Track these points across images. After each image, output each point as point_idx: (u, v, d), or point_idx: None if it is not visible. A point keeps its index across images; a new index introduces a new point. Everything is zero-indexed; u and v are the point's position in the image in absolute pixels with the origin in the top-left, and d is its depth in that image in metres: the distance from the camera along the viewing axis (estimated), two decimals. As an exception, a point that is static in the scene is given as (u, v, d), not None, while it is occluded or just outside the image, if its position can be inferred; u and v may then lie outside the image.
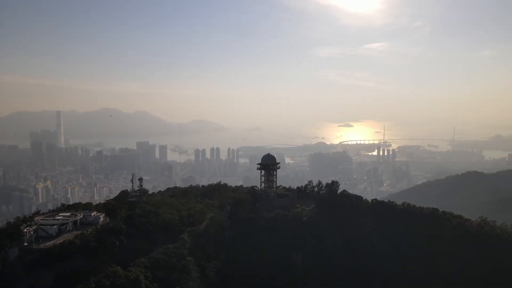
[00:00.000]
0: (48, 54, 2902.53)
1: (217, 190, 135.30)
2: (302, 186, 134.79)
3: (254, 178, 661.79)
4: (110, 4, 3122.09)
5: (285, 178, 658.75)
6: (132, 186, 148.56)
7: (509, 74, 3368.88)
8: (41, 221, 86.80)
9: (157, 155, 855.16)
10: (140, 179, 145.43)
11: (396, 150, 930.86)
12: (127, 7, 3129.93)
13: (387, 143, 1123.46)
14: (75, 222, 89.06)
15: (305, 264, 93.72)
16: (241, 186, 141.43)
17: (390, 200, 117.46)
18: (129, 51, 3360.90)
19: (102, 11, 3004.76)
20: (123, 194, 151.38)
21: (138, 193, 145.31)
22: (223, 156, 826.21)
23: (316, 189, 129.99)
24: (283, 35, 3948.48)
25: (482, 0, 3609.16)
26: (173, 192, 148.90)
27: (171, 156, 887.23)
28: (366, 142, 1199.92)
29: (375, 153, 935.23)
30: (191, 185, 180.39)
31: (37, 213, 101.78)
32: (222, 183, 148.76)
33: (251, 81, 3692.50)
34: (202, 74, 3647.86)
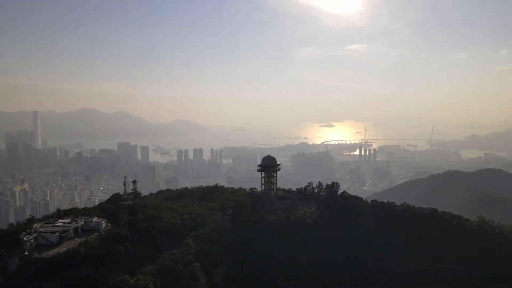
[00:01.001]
0: (24, 53, 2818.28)
1: (215, 192, 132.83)
2: (301, 187, 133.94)
3: (238, 179, 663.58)
4: (90, 1, 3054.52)
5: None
6: (125, 189, 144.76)
7: (484, 75, 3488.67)
8: (40, 228, 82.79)
9: (138, 156, 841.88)
10: (134, 182, 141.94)
11: (377, 150, 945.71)
12: (107, 5, 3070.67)
13: (368, 143, 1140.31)
14: (76, 229, 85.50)
15: (311, 267, 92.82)
16: (240, 188, 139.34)
17: (390, 201, 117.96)
18: (108, 50, 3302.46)
19: (81, 8, 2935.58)
20: (116, 197, 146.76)
21: (131, 196, 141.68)
22: (206, 156, 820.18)
23: (316, 190, 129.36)
24: (265, 36, 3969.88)
25: (458, 4, 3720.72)
26: (168, 195, 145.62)
27: (153, 157, 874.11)
28: (348, 142, 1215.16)
29: (356, 153, 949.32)
30: (186, 187, 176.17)
31: (32, 219, 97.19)
32: (220, 185, 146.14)
33: (233, 81, 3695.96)
34: (183, 75, 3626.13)
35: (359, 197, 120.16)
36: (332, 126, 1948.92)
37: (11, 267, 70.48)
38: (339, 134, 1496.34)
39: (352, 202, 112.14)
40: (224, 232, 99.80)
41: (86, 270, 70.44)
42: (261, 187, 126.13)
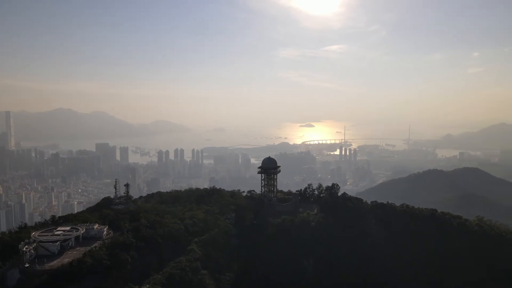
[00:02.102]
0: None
1: (213, 195, 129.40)
2: (301, 189, 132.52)
3: (220, 179, 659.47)
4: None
5: (252, 179, 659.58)
6: (116, 193, 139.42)
7: (457, 77, 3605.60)
8: (38, 237, 77.69)
9: (118, 157, 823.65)
10: (127, 185, 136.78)
11: (356, 149, 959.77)
12: (83, 3, 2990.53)
13: (348, 143, 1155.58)
14: (77, 237, 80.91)
15: (317, 271, 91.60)
16: (238, 190, 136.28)
17: (389, 202, 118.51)
18: (84, 49, 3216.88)
19: (56, 6, 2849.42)
20: (106, 201, 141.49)
21: (123, 200, 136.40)
22: (187, 157, 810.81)
23: (316, 192, 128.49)
24: (245, 36, 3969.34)
25: (433, 7, 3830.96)
26: (161, 198, 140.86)
27: (133, 158, 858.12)
28: (328, 142, 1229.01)
29: (337, 152, 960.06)
30: (181, 189, 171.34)
31: (25, 227, 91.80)
32: (218, 187, 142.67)
33: (213, 81, 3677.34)
34: (162, 75, 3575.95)
35: (359, 198, 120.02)
36: (312, 126, 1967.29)
37: (10, 281, 65.88)
38: (319, 134, 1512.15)
39: (353, 204, 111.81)
40: (228, 237, 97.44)
41: (94, 282, 66.57)
42: (261, 189, 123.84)
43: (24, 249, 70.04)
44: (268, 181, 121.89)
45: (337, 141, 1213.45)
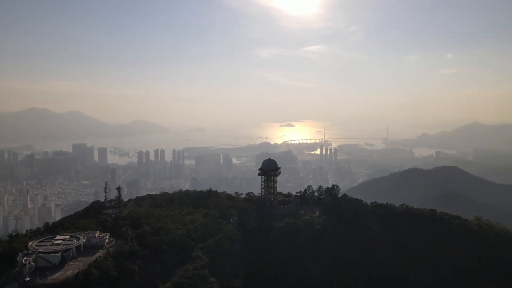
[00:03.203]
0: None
1: (210, 198, 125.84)
2: (301, 191, 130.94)
3: (202, 180, 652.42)
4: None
5: (234, 179, 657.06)
6: (106, 196, 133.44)
7: (432, 78, 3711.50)
8: (37, 247, 72.66)
9: (96, 158, 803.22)
10: (119, 189, 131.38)
11: (337, 149, 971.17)
12: (57, 1, 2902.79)
13: (328, 142, 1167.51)
14: (78, 247, 76.32)
15: (324, 275, 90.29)
16: (237, 193, 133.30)
17: (389, 203, 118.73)
18: (59, 47, 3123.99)
19: (29, 3, 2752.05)
20: (96, 205, 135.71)
21: (114, 204, 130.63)
22: (168, 157, 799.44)
23: (316, 194, 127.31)
24: (225, 35, 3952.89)
25: (409, 9, 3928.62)
26: (154, 201, 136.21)
27: (112, 159, 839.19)
28: (308, 142, 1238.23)
29: (318, 152, 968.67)
30: (167, 191, 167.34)
31: (17, 235, 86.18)
32: (214, 189, 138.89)
33: (193, 81, 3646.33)
34: (139, 74, 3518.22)
35: (359, 199, 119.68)
36: (292, 126, 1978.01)
37: (10, 296, 61.43)
38: (299, 133, 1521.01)
39: (355, 205, 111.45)
40: (232, 241, 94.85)
41: (101, 295, 62.99)
42: (261, 191, 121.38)
43: (24, 261, 65.33)
44: (268, 183, 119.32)
45: (318, 141, 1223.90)
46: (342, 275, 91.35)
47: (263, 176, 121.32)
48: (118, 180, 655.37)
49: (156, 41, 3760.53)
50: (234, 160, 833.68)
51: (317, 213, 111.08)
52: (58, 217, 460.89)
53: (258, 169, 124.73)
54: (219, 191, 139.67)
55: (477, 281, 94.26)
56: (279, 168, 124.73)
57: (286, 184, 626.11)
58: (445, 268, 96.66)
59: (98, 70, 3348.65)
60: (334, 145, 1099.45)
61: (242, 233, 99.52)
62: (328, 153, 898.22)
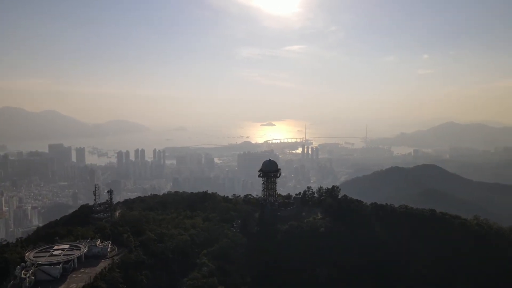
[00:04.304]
0: None
1: (206, 200, 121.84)
2: (300, 192, 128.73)
3: (183, 180, 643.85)
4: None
5: (216, 179, 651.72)
6: (95, 200, 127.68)
7: (409, 78, 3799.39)
8: (35, 258, 66.99)
9: (73, 158, 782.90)
10: (110, 192, 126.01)
11: (318, 148, 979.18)
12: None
13: (309, 141, 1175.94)
14: (79, 257, 71.23)
15: (331, 279, 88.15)
16: (234, 195, 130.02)
17: (388, 203, 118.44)
18: (33, 44, 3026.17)
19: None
20: (85, 209, 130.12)
21: (105, 208, 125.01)
22: (149, 157, 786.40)
23: (316, 195, 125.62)
24: (206, 35, 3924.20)
25: (387, 10, 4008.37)
26: (146, 204, 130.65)
27: (90, 159, 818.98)
28: (290, 141, 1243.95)
29: (299, 151, 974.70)
30: (167, 193, 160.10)
31: (7, 244, 79.83)
32: (210, 192, 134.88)
33: (173, 80, 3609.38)
34: (119, 72, 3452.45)
35: (359, 200, 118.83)
36: (273, 125, 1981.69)
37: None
38: (280, 133, 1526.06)
39: (356, 206, 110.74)
40: (236, 246, 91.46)
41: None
42: (262, 193, 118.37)
43: (23, 274, 60.13)
44: (268, 184, 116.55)
45: (299, 140, 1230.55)
46: (350, 279, 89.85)
47: (263, 178, 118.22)
48: (98, 181, 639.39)
49: (137, 39, 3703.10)
50: (216, 160, 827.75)
51: (319, 214, 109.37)
52: (35, 220, 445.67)
53: (258, 170, 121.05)
54: (201, 191, 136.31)
55: (478, 280, 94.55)
56: (279, 169, 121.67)
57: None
58: (451, 269, 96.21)
59: (75, 68, 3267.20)
60: (315, 144, 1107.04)
61: (246, 237, 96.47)
62: (310, 152, 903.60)
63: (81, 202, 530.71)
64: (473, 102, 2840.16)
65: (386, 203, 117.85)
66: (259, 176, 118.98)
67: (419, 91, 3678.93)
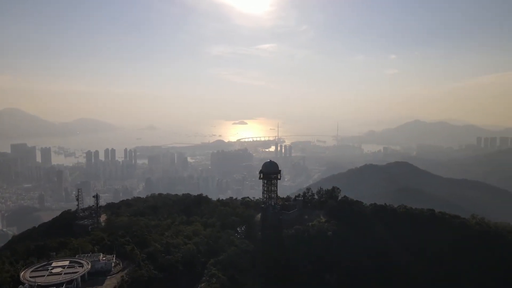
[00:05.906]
0: None
1: (201, 204, 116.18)
2: (300, 194, 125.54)
3: (156, 180, 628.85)
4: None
5: (190, 179, 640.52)
6: (78, 205, 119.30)
7: (376, 77, 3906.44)
8: (31, 279, 59.83)
9: (38, 158, 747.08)
10: (96, 196, 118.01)
11: (291, 146, 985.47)
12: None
13: (281, 140, 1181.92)
14: (82, 275, 64.31)
15: (341, 285, 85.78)
16: (231, 198, 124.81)
17: (387, 204, 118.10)
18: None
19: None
20: (67, 215, 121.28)
21: (90, 213, 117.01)
22: (119, 157, 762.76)
23: (316, 196, 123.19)
24: (177, 32, 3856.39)
25: (356, 11, 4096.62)
26: (135, 208, 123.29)
27: (56, 160, 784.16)
28: (262, 139, 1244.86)
29: (272, 149, 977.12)
30: (151, 195, 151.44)
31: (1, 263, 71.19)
32: (204, 194, 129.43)
33: (143, 78, 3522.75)
34: (87, 70, 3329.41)
35: (359, 201, 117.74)
36: (245, 123, 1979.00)
37: None
38: (252, 131, 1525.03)
39: (358, 208, 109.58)
40: (243, 253, 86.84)
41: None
42: (262, 196, 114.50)
43: None
44: (269, 186, 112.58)
45: (271, 138, 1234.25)
46: (359, 283, 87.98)
47: (263, 180, 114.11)
48: (66, 182, 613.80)
49: (104, 36, 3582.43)
50: (189, 159, 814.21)
51: (322, 217, 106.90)
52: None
53: (258, 172, 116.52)
54: (175, 191, 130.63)
55: (480, 279, 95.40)
56: (280, 170, 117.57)
57: (244, 182, 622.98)
58: (453, 268, 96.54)
59: (39, 64, 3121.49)
60: (287, 142, 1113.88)
61: (253, 244, 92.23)
62: (283, 150, 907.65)
63: (49, 204, 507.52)
64: (437, 101, 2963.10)
65: (385, 204, 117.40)
66: (259, 178, 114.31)
67: (387, 90, 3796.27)
